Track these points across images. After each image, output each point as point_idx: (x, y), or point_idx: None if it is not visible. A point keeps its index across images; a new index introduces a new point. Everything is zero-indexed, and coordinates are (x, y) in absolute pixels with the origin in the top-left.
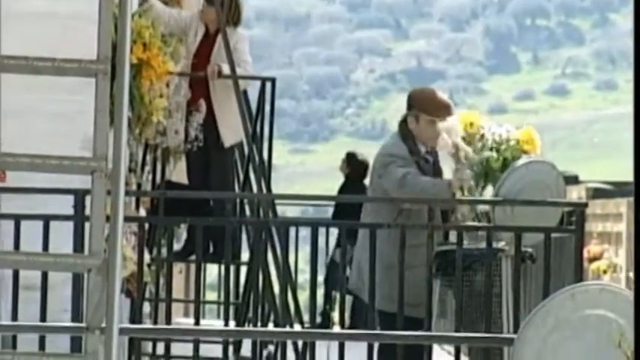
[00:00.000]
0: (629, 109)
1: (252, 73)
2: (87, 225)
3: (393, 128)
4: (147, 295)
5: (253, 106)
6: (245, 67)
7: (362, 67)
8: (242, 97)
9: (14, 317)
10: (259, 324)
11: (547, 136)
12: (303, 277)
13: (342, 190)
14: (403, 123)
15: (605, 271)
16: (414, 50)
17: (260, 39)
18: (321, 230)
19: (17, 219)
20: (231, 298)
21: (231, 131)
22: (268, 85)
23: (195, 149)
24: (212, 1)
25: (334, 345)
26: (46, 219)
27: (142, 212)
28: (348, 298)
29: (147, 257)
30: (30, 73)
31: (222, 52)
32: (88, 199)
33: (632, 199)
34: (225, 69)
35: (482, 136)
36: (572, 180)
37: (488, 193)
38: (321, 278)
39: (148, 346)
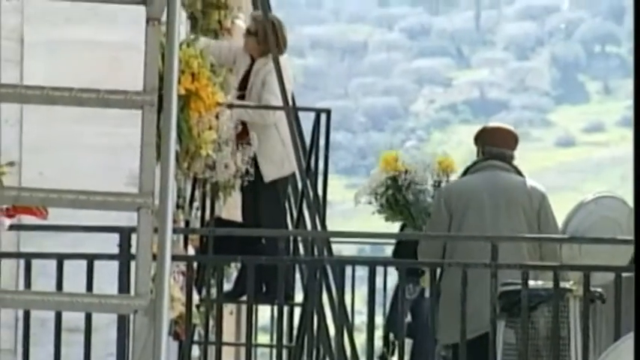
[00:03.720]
0: None
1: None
2: (133, 264)
3: (456, 161)
4: (195, 337)
5: (307, 139)
6: (268, 101)
7: (422, 97)
8: (295, 129)
9: None
10: None
11: (618, 169)
12: (360, 319)
13: (405, 226)
14: (510, 159)
15: None
16: (476, 80)
17: (314, 69)
18: (379, 270)
19: (60, 258)
20: (285, 341)
21: (273, 166)
22: (323, 116)
23: (247, 184)
24: (250, 30)
25: None
26: (90, 258)
27: (191, 251)
28: (408, 342)
29: (196, 298)
30: (74, 105)
31: (257, 81)
32: (133, 237)
33: None
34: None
35: None
36: None
37: None
38: (379, 320)
39: None
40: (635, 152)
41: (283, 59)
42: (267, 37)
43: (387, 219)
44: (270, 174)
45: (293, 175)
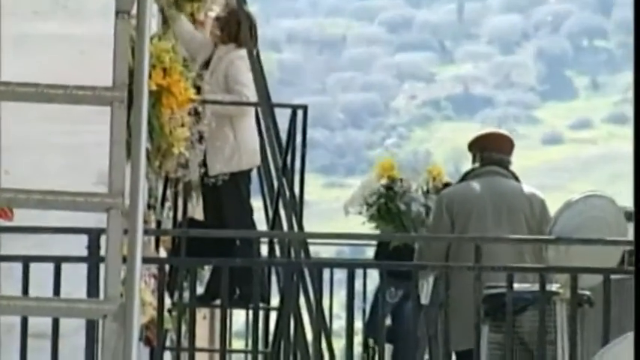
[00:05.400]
0: None
1: (249, 99)
2: (102, 267)
3: (438, 160)
4: (168, 343)
5: (283, 136)
6: (240, 92)
7: (403, 93)
8: (270, 126)
9: None
10: None
11: (607, 168)
12: (339, 324)
13: None
14: (508, 165)
15: None
16: (459, 75)
17: (291, 63)
18: (358, 272)
19: (26, 261)
20: (260, 347)
21: (220, 159)
22: (299, 113)
23: (207, 182)
24: (217, 17)
25: None
26: (58, 261)
27: (162, 253)
28: (388, 347)
29: (167, 302)
30: (41, 101)
31: (219, 68)
32: (102, 238)
33: None
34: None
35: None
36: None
37: None
38: (358, 324)
39: None
40: (635, 151)
41: (241, 52)
42: (231, 26)
43: (377, 228)
44: (215, 167)
45: (268, 172)
